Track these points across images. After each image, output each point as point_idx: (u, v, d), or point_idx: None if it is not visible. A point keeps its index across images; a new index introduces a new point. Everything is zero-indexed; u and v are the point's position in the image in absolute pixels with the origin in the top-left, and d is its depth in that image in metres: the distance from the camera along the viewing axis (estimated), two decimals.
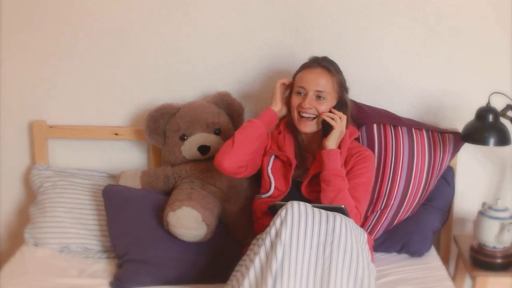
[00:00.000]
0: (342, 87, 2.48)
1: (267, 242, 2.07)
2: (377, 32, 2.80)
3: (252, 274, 2.06)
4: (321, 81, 2.42)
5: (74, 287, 2.40)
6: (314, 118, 2.45)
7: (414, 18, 2.77)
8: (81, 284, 2.42)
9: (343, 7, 2.78)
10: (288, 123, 2.57)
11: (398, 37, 2.80)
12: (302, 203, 2.11)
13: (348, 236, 2.07)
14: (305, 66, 2.49)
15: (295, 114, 2.47)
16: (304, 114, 2.44)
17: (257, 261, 2.07)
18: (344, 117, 2.45)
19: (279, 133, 2.57)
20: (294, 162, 2.50)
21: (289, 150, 2.53)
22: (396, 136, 2.69)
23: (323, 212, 2.10)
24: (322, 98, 2.43)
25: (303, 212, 2.08)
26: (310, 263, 2.03)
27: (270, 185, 2.50)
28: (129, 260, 2.46)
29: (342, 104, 2.48)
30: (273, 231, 2.08)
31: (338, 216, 2.09)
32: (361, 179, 2.46)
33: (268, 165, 2.53)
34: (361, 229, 2.20)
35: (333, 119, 2.41)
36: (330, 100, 2.44)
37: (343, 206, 2.18)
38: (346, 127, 2.49)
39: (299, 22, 2.80)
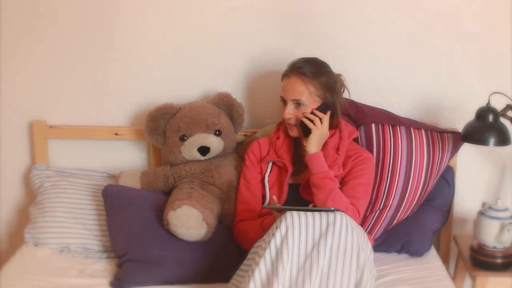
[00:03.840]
0: (324, 88, 2.45)
1: (267, 256, 2.05)
2: (376, 32, 2.80)
3: (252, 285, 2.06)
4: (296, 90, 2.43)
5: (74, 287, 2.40)
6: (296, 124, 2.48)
7: (414, 18, 2.77)
8: (81, 284, 2.42)
9: (343, 8, 2.78)
10: None
11: (398, 37, 2.80)
12: (302, 214, 2.07)
13: (349, 239, 2.06)
14: (283, 75, 2.50)
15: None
16: (287, 121, 2.48)
17: (256, 273, 2.06)
18: (325, 117, 2.43)
19: (278, 138, 2.57)
20: (290, 168, 2.51)
21: (286, 155, 2.53)
22: (394, 136, 2.69)
23: (323, 217, 2.07)
24: (301, 105, 2.44)
25: (303, 226, 2.05)
26: (312, 272, 2.02)
27: (266, 196, 2.52)
28: (129, 259, 2.46)
29: (327, 104, 2.46)
30: (273, 246, 2.05)
31: (338, 219, 2.06)
32: (360, 181, 2.46)
33: (266, 172, 2.54)
34: (362, 229, 2.19)
35: (313, 120, 2.41)
36: (310, 105, 2.44)
37: (337, 209, 2.13)
38: (334, 127, 2.50)
39: (298, 23, 2.79)
